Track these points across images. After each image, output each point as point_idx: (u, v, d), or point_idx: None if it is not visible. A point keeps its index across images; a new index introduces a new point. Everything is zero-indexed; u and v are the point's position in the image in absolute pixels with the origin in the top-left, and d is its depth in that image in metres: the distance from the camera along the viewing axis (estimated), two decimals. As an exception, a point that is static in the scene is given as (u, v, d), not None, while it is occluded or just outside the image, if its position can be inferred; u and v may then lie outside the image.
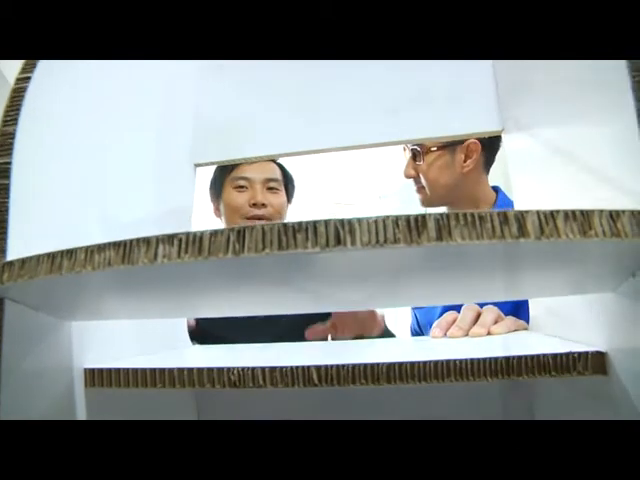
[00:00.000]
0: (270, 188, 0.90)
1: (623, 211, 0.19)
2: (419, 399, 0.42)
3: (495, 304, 0.49)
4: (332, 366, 0.29)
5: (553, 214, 0.19)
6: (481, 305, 0.49)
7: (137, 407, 0.37)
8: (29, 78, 0.30)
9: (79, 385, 0.33)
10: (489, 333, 0.45)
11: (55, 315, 0.31)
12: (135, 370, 0.32)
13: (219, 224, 0.93)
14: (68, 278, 0.22)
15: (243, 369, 0.30)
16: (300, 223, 0.19)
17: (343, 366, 0.29)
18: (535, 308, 0.45)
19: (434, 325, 0.50)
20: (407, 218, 0.19)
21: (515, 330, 0.46)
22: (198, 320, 0.73)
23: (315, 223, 0.19)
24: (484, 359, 0.29)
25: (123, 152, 0.40)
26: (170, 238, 0.20)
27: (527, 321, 0.47)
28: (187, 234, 0.20)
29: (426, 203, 0.89)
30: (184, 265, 0.20)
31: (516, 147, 0.46)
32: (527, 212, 0.19)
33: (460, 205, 0.86)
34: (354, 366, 0.29)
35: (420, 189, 0.88)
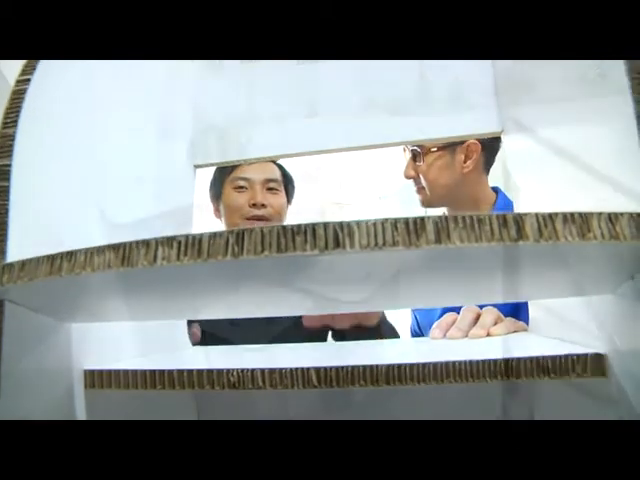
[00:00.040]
0: (270, 189, 0.90)
1: (622, 213, 0.19)
2: (419, 399, 0.42)
3: (495, 305, 0.49)
4: (331, 367, 0.29)
5: (552, 216, 0.19)
6: (481, 306, 0.49)
7: (137, 409, 0.37)
8: (29, 80, 0.30)
9: (79, 387, 0.33)
10: (489, 334, 0.45)
11: (55, 317, 0.31)
12: (135, 372, 0.32)
13: (219, 225, 0.93)
14: (68, 280, 0.22)
15: (242, 370, 0.30)
16: (299, 226, 0.19)
17: (342, 367, 0.29)
18: (535, 310, 0.45)
19: (434, 326, 0.49)
20: (406, 221, 0.19)
21: (515, 331, 0.46)
22: (204, 331, 0.72)
23: (314, 226, 0.19)
24: (484, 360, 0.29)
25: (123, 154, 0.40)
26: (169, 240, 0.20)
27: (527, 322, 0.47)
28: (186, 236, 0.20)
29: (426, 204, 0.89)
30: (183, 267, 0.20)
31: (516, 148, 0.46)
32: (526, 215, 0.19)
33: (460, 206, 0.86)
34: (353, 367, 0.29)
35: (420, 190, 0.88)
